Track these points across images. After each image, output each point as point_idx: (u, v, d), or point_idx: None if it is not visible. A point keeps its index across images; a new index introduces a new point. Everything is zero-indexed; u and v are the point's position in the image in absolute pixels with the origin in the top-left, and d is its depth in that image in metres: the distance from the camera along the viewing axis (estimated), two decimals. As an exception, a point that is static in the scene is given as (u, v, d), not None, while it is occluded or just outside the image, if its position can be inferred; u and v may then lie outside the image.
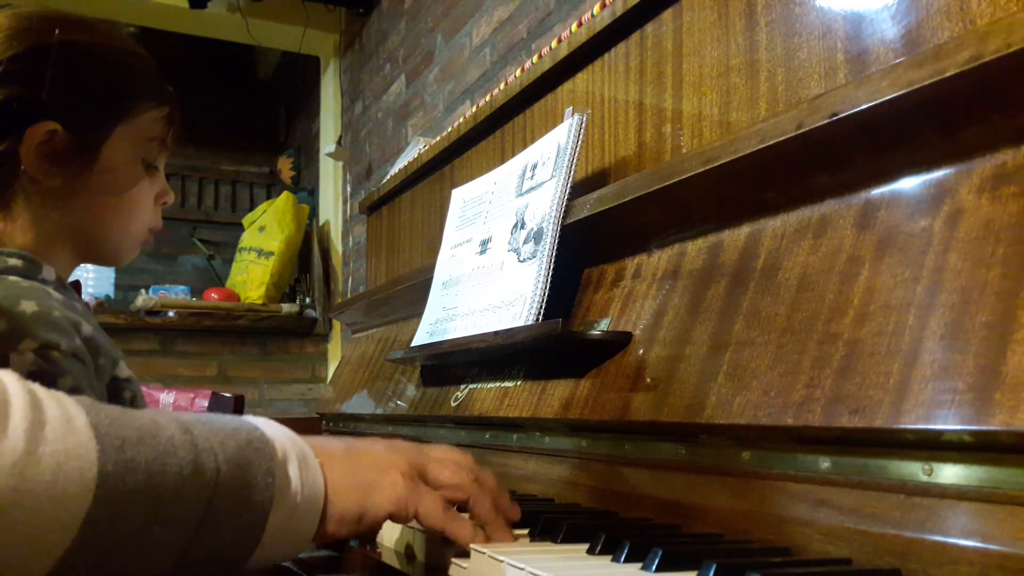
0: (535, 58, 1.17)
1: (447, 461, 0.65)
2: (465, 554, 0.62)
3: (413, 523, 0.63)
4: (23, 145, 0.75)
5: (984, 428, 0.47)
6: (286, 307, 3.56)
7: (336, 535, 0.58)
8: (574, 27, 1.07)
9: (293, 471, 0.55)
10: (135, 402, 0.77)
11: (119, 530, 0.47)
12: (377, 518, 0.59)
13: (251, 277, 3.55)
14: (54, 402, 0.47)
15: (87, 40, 0.81)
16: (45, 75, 0.76)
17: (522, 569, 0.53)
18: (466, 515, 0.65)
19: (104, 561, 0.47)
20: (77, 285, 0.85)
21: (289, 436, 0.58)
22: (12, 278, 0.72)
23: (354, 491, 0.58)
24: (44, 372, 0.66)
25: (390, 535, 0.76)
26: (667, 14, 0.93)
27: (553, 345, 0.87)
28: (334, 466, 0.59)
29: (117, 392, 0.76)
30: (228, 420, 0.56)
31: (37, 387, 0.48)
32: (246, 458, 0.53)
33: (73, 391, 0.67)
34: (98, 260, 0.87)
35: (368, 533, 0.61)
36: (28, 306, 0.68)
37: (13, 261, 0.74)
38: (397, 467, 0.61)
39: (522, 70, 1.20)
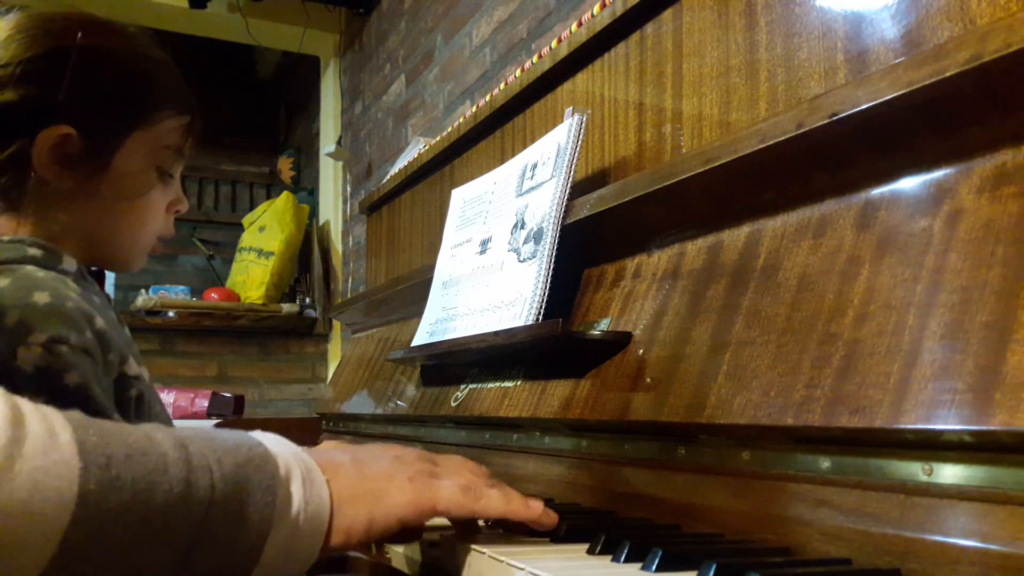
0: (535, 58, 1.17)
1: (458, 468, 0.64)
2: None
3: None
4: (36, 147, 0.74)
5: (984, 428, 0.47)
6: (286, 307, 3.56)
7: (344, 547, 0.56)
8: (574, 27, 1.07)
9: (296, 488, 0.53)
10: (141, 400, 0.76)
11: (102, 551, 0.45)
12: (388, 526, 0.58)
13: (251, 277, 3.55)
14: (38, 417, 0.46)
15: (109, 44, 0.80)
16: (63, 78, 0.74)
17: (522, 569, 0.53)
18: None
19: None
20: (101, 275, 0.84)
21: (294, 452, 0.56)
22: (28, 268, 0.72)
23: (360, 501, 0.57)
24: (51, 366, 0.65)
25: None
26: (667, 14, 0.92)
27: (553, 345, 0.87)
28: (340, 478, 0.57)
29: (123, 389, 0.75)
30: (229, 436, 0.54)
31: (23, 401, 0.46)
32: (244, 475, 0.51)
33: (79, 386, 0.66)
34: (105, 265, 0.86)
35: (378, 542, 0.60)
36: (41, 297, 0.68)
37: (33, 251, 0.74)
38: (404, 473, 0.60)
39: (522, 70, 1.20)
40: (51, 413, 0.47)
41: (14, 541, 0.42)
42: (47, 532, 0.43)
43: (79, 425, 0.47)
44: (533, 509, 0.63)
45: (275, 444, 0.56)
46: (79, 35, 0.76)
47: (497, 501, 0.62)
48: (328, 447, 0.62)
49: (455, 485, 0.60)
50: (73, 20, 0.78)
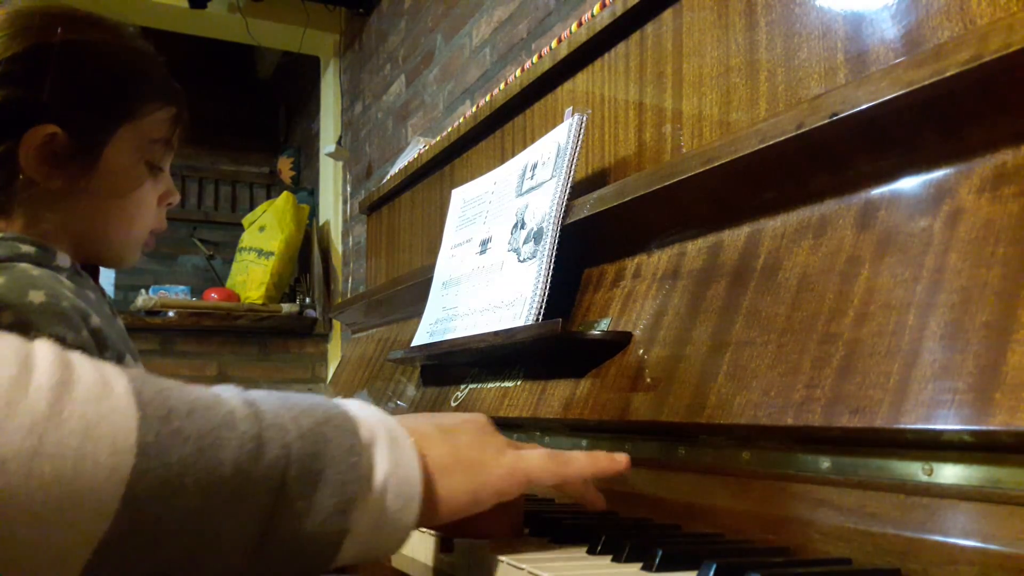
0: (535, 58, 1.17)
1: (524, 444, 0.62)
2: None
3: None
4: (22, 147, 0.73)
5: (984, 428, 0.47)
6: (286, 307, 3.56)
7: (448, 520, 0.53)
8: (574, 27, 1.07)
9: (381, 453, 0.48)
10: None
11: (169, 512, 0.41)
12: (489, 498, 0.54)
13: (251, 277, 3.55)
14: (91, 366, 0.42)
15: (90, 39, 0.78)
16: (45, 76, 0.73)
17: (521, 569, 0.53)
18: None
19: (159, 545, 0.41)
20: (96, 270, 0.84)
21: (377, 415, 0.51)
22: (23, 265, 0.72)
23: (458, 471, 0.53)
24: None
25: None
26: (667, 14, 0.93)
27: (553, 345, 0.87)
28: (431, 446, 0.53)
29: None
30: (304, 396, 0.49)
31: (75, 352, 0.43)
32: (323, 436, 0.46)
33: None
34: (99, 262, 0.85)
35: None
36: (36, 296, 0.68)
37: (26, 248, 0.74)
38: (492, 445, 0.56)
39: (522, 70, 1.20)
40: (103, 364, 0.43)
41: (71, 493, 0.38)
42: (106, 486, 0.39)
43: (135, 377, 0.43)
44: (619, 462, 0.61)
45: (356, 407, 0.51)
46: (59, 30, 0.74)
47: (584, 462, 0.60)
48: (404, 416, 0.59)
49: (543, 453, 0.58)
50: (52, 15, 0.76)
